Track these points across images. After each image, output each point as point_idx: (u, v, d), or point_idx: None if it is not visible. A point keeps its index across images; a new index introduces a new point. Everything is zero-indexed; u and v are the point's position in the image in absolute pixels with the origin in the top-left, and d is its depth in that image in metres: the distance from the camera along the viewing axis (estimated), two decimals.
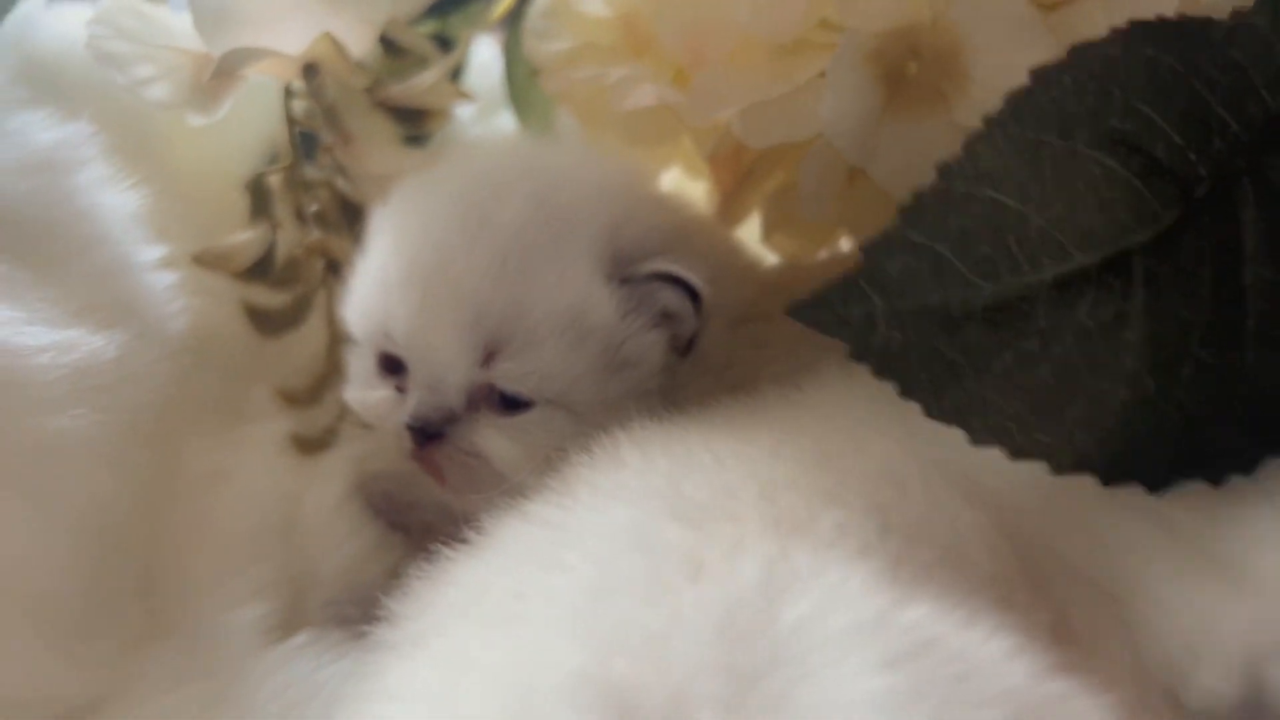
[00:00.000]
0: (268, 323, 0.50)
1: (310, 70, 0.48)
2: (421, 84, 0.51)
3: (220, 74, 0.45)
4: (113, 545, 0.41)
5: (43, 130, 0.45)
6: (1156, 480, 0.32)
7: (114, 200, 0.45)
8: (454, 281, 0.39)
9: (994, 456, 0.31)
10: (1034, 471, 0.32)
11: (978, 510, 0.31)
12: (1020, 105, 0.32)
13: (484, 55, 0.60)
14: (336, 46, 0.47)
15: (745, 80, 0.42)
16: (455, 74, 0.57)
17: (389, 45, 0.53)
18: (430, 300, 0.40)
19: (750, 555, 0.26)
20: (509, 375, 0.39)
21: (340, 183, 0.51)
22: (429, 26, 0.56)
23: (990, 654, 0.24)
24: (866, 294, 0.31)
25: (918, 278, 0.31)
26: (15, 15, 0.50)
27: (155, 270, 0.45)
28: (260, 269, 0.49)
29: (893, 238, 0.31)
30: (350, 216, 0.50)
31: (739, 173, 0.47)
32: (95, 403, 0.38)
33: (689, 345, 0.40)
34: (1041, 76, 0.32)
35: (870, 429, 0.33)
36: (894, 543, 0.28)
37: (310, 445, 0.50)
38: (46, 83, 0.48)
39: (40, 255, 0.41)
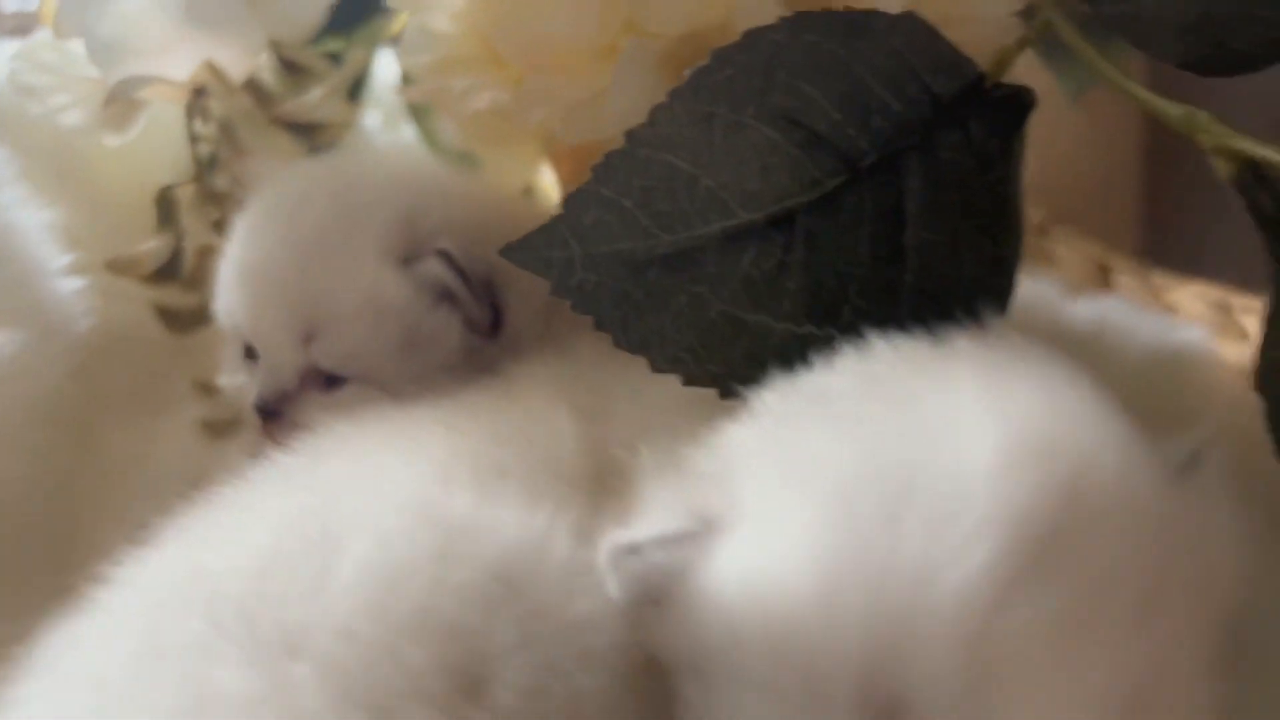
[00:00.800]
0: (177, 321, 0.56)
1: (199, 93, 0.53)
2: (310, 100, 0.56)
3: (114, 99, 0.51)
4: (18, 521, 0.46)
5: None
6: None
7: (28, 217, 0.51)
8: (270, 276, 0.45)
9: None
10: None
11: (583, 425, 0.36)
12: (699, 80, 0.36)
13: (392, 68, 0.65)
14: (218, 73, 0.52)
15: (563, 83, 0.46)
16: (357, 88, 0.62)
17: (288, 65, 0.58)
18: (256, 294, 0.46)
19: (345, 465, 0.31)
20: (323, 355, 0.45)
21: (240, 194, 0.56)
22: (334, 44, 0.62)
23: (509, 527, 0.28)
24: (566, 240, 0.36)
25: (608, 227, 0.36)
26: None
27: (64, 277, 0.51)
28: (166, 273, 0.55)
29: (588, 192, 0.36)
30: None
31: (580, 164, 0.51)
32: None
33: (495, 325, 0.45)
34: (719, 56, 0.36)
35: (530, 380, 0.38)
36: (505, 451, 0.33)
37: (220, 430, 0.55)
38: None
39: None
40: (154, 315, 0.55)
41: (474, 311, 0.45)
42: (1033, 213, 0.66)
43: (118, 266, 0.54)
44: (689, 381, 0.37)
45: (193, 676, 0.25)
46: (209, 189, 0.56)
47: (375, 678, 0.25)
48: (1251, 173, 0.33)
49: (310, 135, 0.58)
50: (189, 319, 0.56)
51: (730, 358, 0.36)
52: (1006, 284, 0.39)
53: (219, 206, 0.56)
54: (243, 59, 0.52)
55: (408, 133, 0.64)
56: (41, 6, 0.53)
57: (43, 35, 0.55)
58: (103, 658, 0.27)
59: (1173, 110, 0.35)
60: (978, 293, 0.38)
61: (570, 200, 0.36)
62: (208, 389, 0.57)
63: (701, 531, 0.27)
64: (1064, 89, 0.60)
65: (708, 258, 0.36)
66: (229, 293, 0.48)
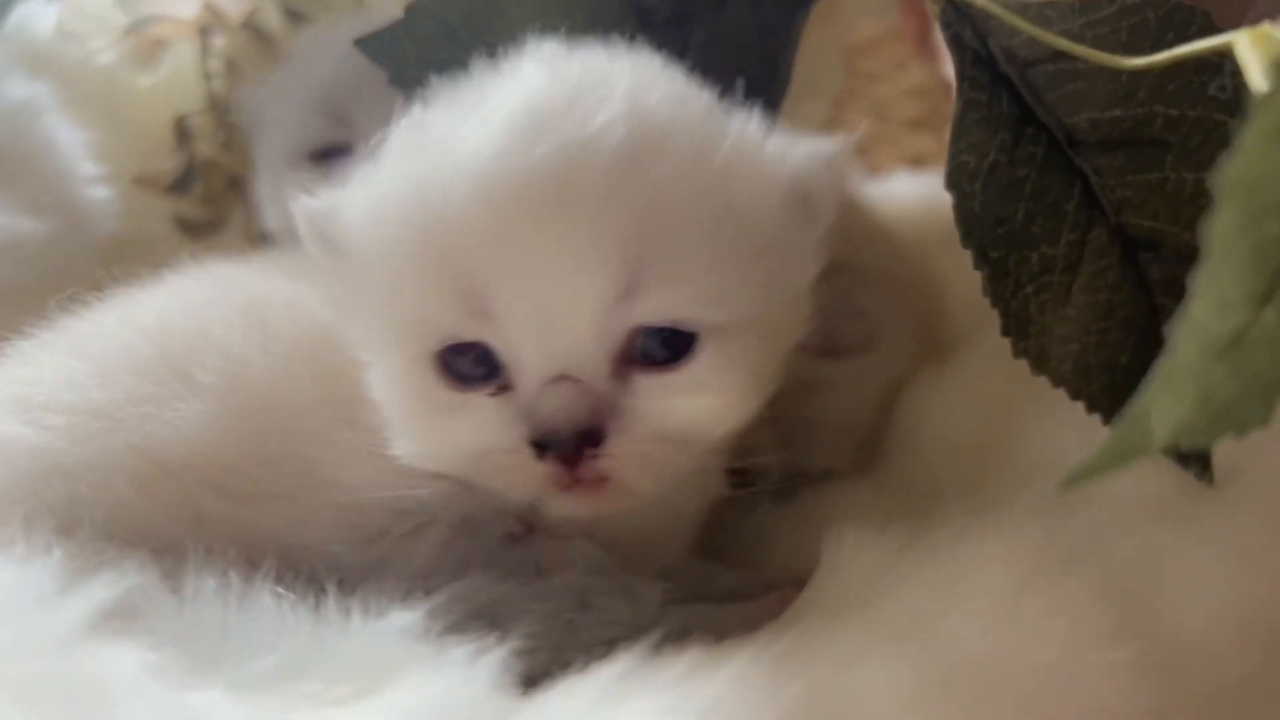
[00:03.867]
0: (192, 229, 0.66)
1: (205, 33, 0.63)
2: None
3: (132, 34, 0.61)
4: None
5: (20, 88, 0.61)
6: None
7: (67, 135, 0.61)
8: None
9: None
10: None
11: None
12: None
13: None
14: (216, 11, 0.62)
15: None
16: None
17: (291, 13, 0.68)
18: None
19: None
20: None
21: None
22: None
23: None
24: (405, 42, 0.42)
25: (438, 38, 0.41)
26: (20, 11, 0.68)
27: (94, 185, 0.61)
28: (180, 187, 0.65)
29: (424, 6, 0.42)
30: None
31: None
32: (23, 264, 0.55)
33: None
34: None
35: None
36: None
37: None
38: (35, 57, 0.65)
39: (4, 172, 0.58)
40: (172, 224, 0.65)
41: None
42: None
43: (144, 180, 0.64)
44: None
45: None
46: (220, 118, 0.66)
47: None
48: (954, 9, 0.38)
49: None
50: (202, 228, 0.66)
51: None
52: None
53: (226, 131, 0.66)
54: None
55: None
56: None
57: None
58: None
59: None
60: None
61: (410, 11, 0.42)
62: None
63: None
64: None
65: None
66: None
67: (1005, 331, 0.37)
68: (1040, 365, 0.37)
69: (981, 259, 0.37)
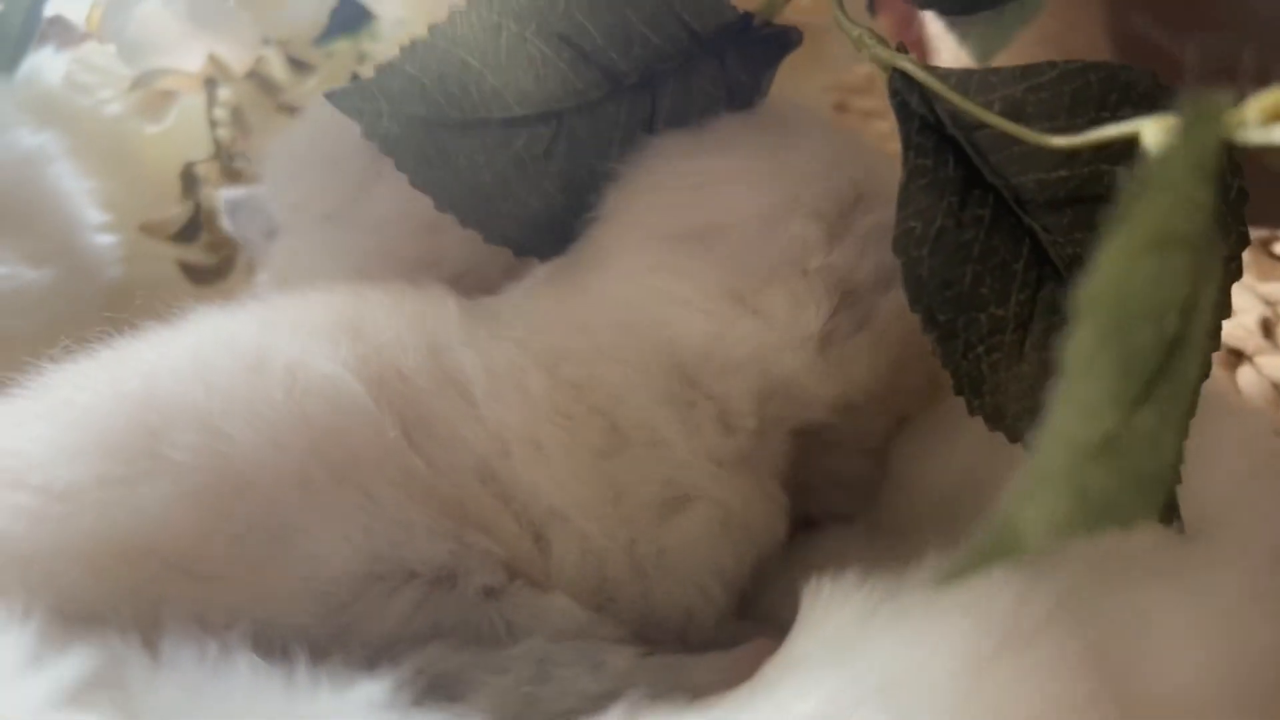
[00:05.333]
0: (198, 275, 0.67)
1: (210, 84, 0.64)
2: (308, 88, 0.67)
3: (138, 87, 0.62)
4: None
5: (27, 138, 0.63)
6: None
7: (72, 183, 0.62)
8: None
9: None
10: None
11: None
12: None
13: None
14: (220, 64, 0.63)
15: None
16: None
17: (295, 61, 0.69)
18: None
19: None
20: None
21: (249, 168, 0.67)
22: (343, 44, 0.72)
23: None
24: (377, 97, 0.43)
25: (410, 95, 0.43)
26: (31, 61, 0.69)
27: (98, 232, 0.62)
28: (186, 235, 0.66)
29: (396, 66, 0.43)
30: None
31: None
32: (25, 313, 0.55)
33: None
34: None
35: None
36: None
37: None
38: (44, 106, 0.66)
39: (9, 220, 0.59)
40: (178, 270, 0.66)
41: None
42: None
43: (149, 229, 0.65)
44: (463, 224, 0.45)
45: None
46: (226, 165, 0.67)
47: None
48: (902, 77, 0.38)
49: None
50: (209, 274, 0.67)
51: (496, 214, 0.45)
52: None
53: (232, 178, 0.67)
54: (242, 53, 0.63)
55: None
56: (89, 18, 0.65)
57: (93, 43, 0.67)
58: None
59: (852, 30, 0.40)
60: None
61: (382, 69, 0.43)
62: None
63: None
64: (972, 52, 0.65)
65: (488, 133, 0.44)
66: None
67: (958, 391, 0.38)
68: (996, 422, 0.38)
69: (930, 322, 0.37)
